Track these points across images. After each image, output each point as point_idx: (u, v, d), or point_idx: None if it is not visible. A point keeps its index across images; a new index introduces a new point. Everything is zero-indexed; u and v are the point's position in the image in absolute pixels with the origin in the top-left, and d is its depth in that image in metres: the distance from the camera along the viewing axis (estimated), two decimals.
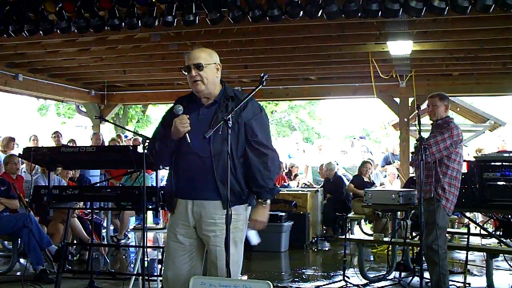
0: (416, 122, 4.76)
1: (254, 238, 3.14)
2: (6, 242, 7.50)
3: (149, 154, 3.43)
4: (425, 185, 4.79)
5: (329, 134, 28.37)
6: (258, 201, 3.22)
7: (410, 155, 5.80)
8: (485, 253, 5.64)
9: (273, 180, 3.24)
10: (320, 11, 5.33)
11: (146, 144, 3.80)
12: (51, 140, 10.36)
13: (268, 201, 3.22)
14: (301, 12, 5.38)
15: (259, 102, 3.34)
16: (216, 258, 3.15)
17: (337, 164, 10.94)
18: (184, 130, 3.09)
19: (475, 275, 6.35)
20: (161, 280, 4.43)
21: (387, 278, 6.05)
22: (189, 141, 3.09)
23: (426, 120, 5.47)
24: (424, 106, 6.36)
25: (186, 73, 3.19)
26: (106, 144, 10.41)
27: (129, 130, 15.03)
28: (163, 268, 3.46)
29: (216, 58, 3.24)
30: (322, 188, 9.76)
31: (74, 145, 9.68)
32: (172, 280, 3.23)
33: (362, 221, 9.91)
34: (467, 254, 5.65)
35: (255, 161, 3.15)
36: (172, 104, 3.38)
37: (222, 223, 3.08)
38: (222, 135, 3.06)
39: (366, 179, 9.48)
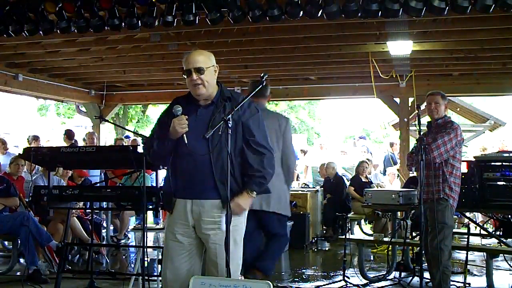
0: (416, 122, 4.77)
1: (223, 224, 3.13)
2: (6, 242, 7.50)
3: (146, 153, 3.45)
4: (435, 185, 4.81)
5: (329, 134, 28.39)
6: (246, 189, 3.21)
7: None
8: (485, 253, 5.64)
9: (266, 179, 3.26)
10: (320, 11, 5.32)
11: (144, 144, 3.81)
12: (63, 139, 10.30)
13: (255, 193, 3.23)
14: (301, 12, 5.38)
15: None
16: (216, 256, 3.16)
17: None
18: (182, 131, 3.11)
19: (475, 275, 6.34)
20: (161, 280, 4.44)
21: (387, 278, 6.05)
22: (186, 142, 3.11)
23: (422, 120, 5.47)
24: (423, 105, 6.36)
25: (185, 77, 3.21)
26: (101, 143, 10.38)
27: (129, 130, 15.05)
28: (162, 267, 3.47)
29: (214, 60, 3.27)
30: (322, 188, 9.76)
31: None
32: (171, 280, 3.24)
33: (362, 221, 9.91)
34: (467, 254, 5.65)
35: (252, 159, 3.20)
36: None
37: (222, 221, 3.11)
38: (219, 135, 3.10)
39: (364, 179, 9.48)
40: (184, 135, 3.12)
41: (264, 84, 3.16)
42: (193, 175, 3.17)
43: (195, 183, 3.16)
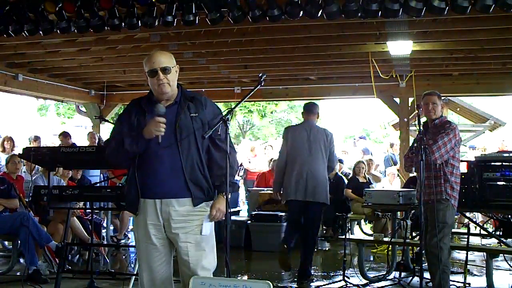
0: (416, 122, 4.77)
1: (207, 229, 3.22)
2: (6, 242, 7.50)
3: (109, 153, 3.33)
4: (436, 186, 4.81)
5: None
6: (220, 193, 3.28)
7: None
8: (485, 253, 5.63)
9: (233, 176, 3.37)
10: (320, 11, 5.32)
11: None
12: (59, 140, 10.28)
13: (229, 194, 3.32)
14: (301, 12, 5.38)
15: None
16: (187, 255, 3.18)
17: (342, 163, 10.88)
18: (157, 133, 3.10)
19: (475, 275, 6.35)
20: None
21: (387, 278, 6.05)
22: (160, 141, 3.12)
23: (422, 120, 5.47)
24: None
25: (150, 77, 3.25)
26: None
27: None
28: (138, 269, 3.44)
29: (174, 61, 3.32)
30: None
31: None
32: (149, 283, 3.25)
33: (362, 221, 9.90)
34: (467, 254, 5.65)
35: (218, 157, 3.26)
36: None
37: (191, 220, 3.17)
38: (187, 135, 3.15)
39: (361, 180, 9.48)
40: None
41: (262, 83, 3.17)
42: (162, 174, 3.16)
43: (165, 182, 3.16)
